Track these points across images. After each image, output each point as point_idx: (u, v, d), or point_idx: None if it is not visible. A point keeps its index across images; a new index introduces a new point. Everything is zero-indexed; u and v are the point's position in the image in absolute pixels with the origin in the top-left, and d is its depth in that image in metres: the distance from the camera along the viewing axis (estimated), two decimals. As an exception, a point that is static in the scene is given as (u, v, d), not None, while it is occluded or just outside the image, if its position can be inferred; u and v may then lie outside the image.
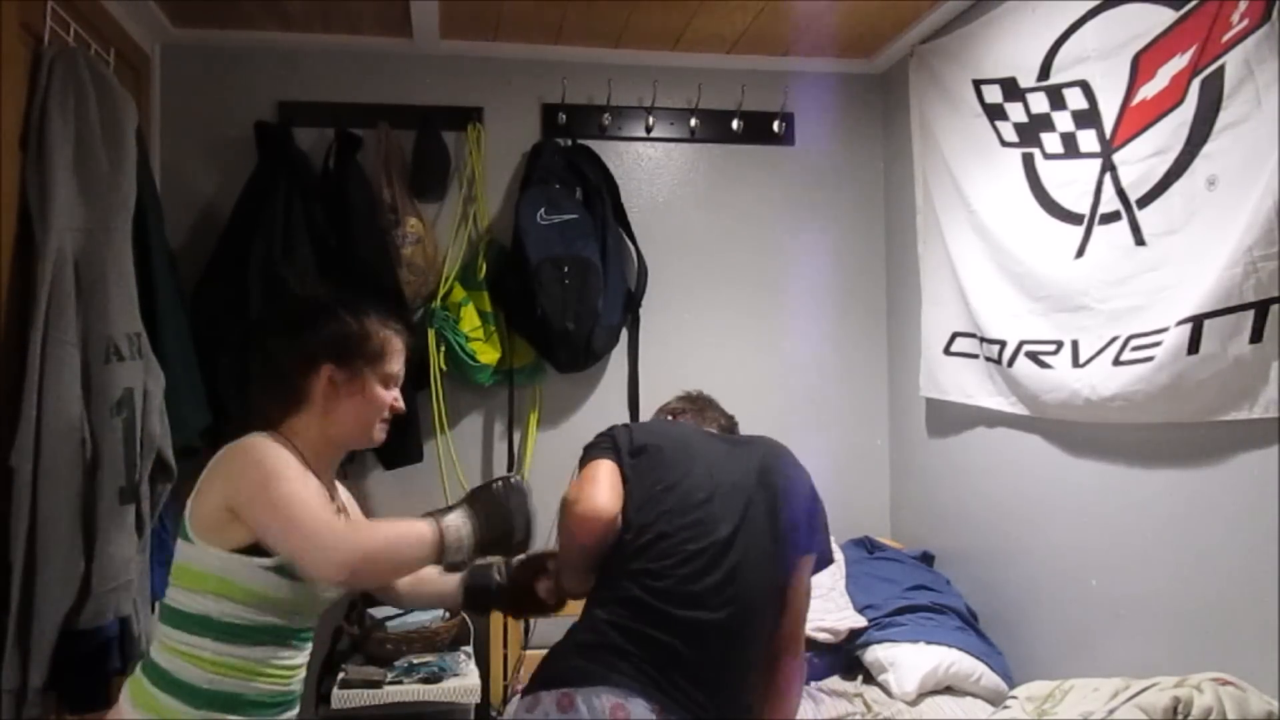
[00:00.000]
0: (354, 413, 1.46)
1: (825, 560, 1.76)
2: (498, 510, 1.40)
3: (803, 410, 2.88)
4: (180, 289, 2.26)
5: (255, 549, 1.31)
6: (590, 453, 1.73)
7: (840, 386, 2.92)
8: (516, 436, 2.72)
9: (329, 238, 2.45)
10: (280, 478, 1.30)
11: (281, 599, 1.34)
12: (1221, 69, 1.59)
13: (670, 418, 2.05)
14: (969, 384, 2.40)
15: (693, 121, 2.85)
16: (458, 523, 1.36)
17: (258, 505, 1.29)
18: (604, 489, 1.62)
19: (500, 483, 1.44)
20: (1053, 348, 2.03)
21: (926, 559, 2.62)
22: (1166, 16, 1.73)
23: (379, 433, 1.50)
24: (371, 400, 1.47)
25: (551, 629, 2.53)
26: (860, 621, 2.30)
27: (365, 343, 1.47)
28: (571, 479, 1.71)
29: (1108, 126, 1.88)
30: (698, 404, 2.07)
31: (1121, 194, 1.84)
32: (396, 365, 1.51)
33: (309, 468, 1.40)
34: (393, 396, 1.50)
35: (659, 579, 1.53)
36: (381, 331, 1.50)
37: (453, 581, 1.64)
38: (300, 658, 1.43)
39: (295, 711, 1.44)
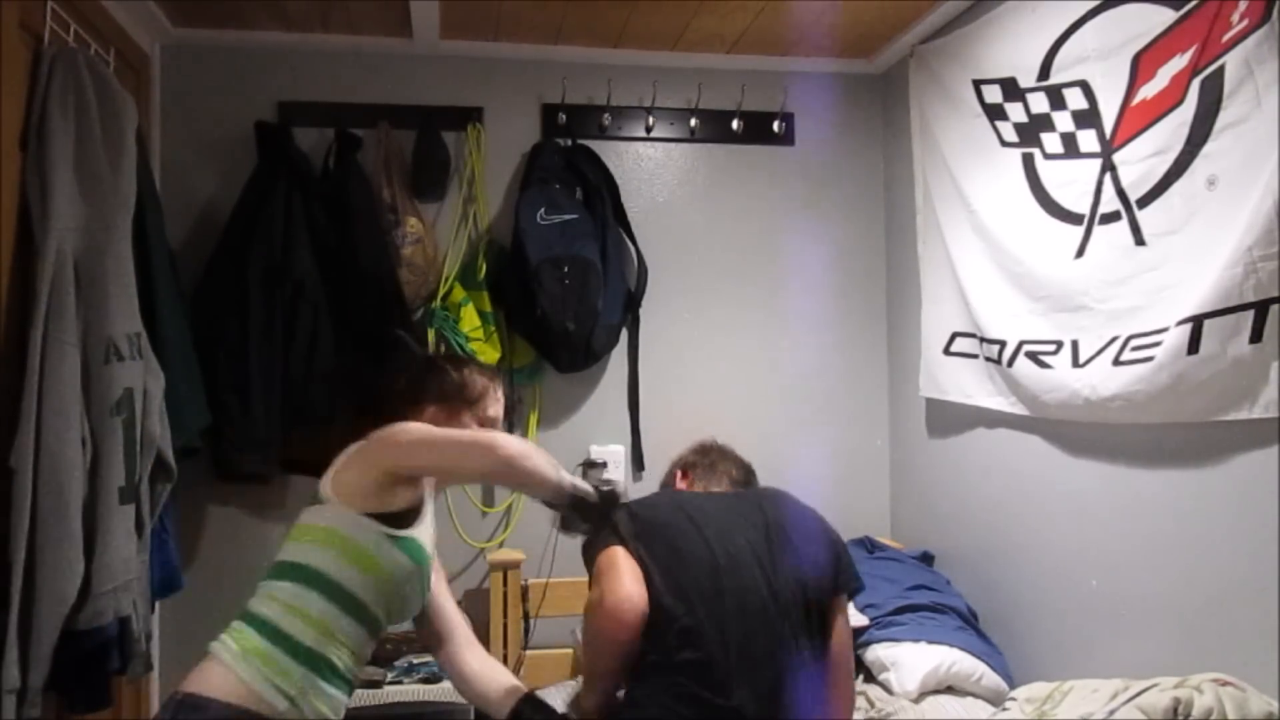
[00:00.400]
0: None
1: (858, 590, 1.80)
2: (607, 496, 1.58)
3: (803, 410, 2.88)
4: (180, 289, 2.26)
5: (390, 519, 1.46)
6: (597, 544, 1.70)
7: (840, 386, 2.92)
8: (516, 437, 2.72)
9: (329, 238, 2.45)
10: (430, 432, 1.51)
11: (393, 576, 1.46)
12: (1221, 69, 1.59)
13: (681, 473, 2.05)
14: (969, 384, 2.40)
15: (693, 121, 2.85)
16: (582, 483, 1.56)
17: (420, 448, 1.48)
18: (627, 578, 1.62)
19: (610, 485, 1.61)
20: (1053, 348, 2.03)
21: (926, 559, 2.62)
22: (1166, 16, 1.73)
23: None
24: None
25: (552, 629, 2.54)
26: (861, 620, 2.30)
27: (464, 389, 1.69)
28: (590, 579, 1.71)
29: (1108, 126, 1.88)
30: (710, 456, 2.06)
31: (1121, 194, 1.84)
32: (494, 410, 1.72)
33: None
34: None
35: (708, 669, 1.54)
36: (480, 380, 1.72)
37: (498, 689, 1.67)
38: (369, 654, 1.53)
39: None
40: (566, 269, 2.52)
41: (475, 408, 1.68)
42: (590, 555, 1.71)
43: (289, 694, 1.36)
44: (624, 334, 2.77)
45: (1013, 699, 1.81)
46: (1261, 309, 1.50)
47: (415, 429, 1.52)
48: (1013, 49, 2.18)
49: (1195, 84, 1.65)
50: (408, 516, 1.50)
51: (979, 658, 2.17)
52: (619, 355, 2.79)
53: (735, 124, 2.86)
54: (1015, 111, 2.18)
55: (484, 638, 2.55)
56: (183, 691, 1.35)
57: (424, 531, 1.54)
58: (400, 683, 2.22)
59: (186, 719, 1.32)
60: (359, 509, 1.45)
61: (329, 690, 1.41)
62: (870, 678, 2.25)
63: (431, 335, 2.57)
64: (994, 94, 2.25)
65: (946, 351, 2.50)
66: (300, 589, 1.41)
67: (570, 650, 2.54)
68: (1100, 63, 1.90)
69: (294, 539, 1.48)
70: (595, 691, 1.67)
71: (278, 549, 1.50)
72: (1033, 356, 2.10)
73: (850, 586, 1.77)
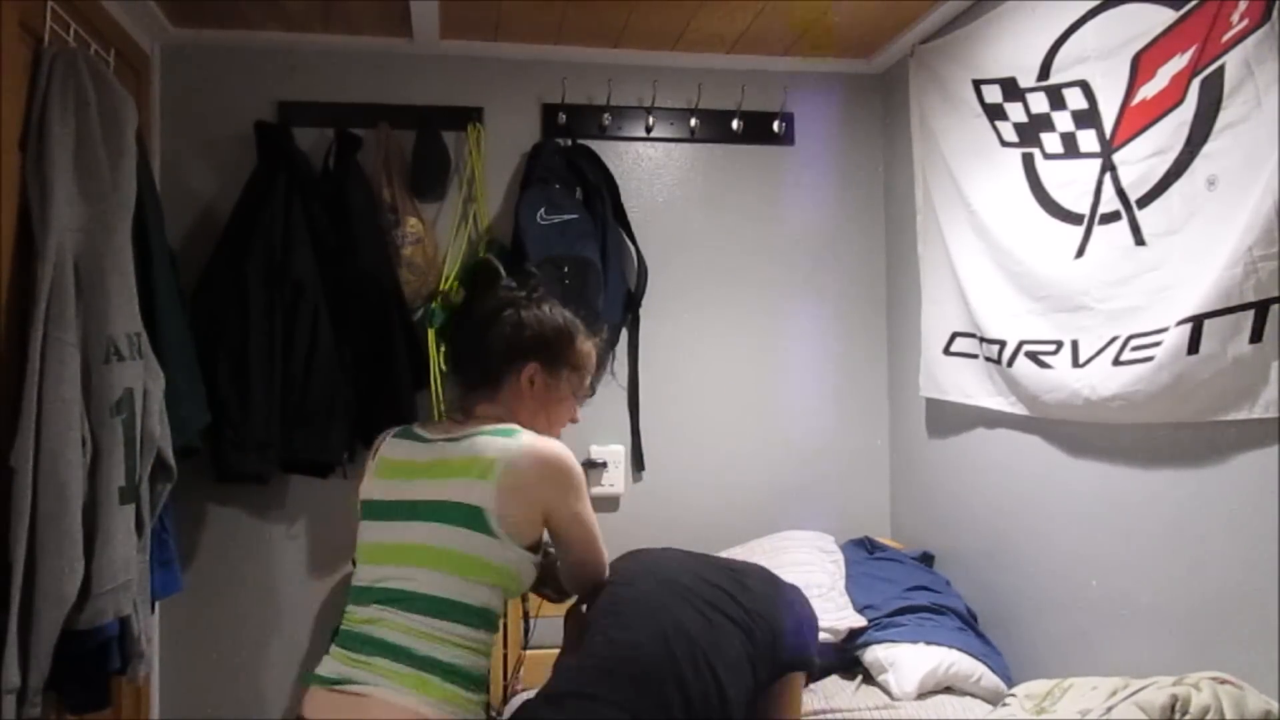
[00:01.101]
0: (542, 416, 1.55)
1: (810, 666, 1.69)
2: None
3: (803, 410, 2.88)
4: (180, 289, 2.26)
5: (534, 546, 1.46)
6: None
7: (840, 386, 2.92)
8: (516, 436, 2.72)
9: (329, 238, 2.45)
10: (586, 498, 1.48)
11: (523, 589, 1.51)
12: (1221, 69, 1.59)
13: None
14: (969, 384, 2.40)
15: (693, 121, 2.85)
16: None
17: (576, 523, 1.47)
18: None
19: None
20: (1052, 348, 2.03)
21: (926, 559, 2.62)
22: (1166, 16, 1.73)
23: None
24: (562, 407, 1.58)
25: (552, 629, 2.54)
26: (860, 621, 2.30)
27: (572, 350, 1.56)
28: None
29: (1108, 126, 1.88)
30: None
31: (1121, 194, 1.84)
32: (589, 379, 1.61)
33: None
34: (576, 408, 1.61)
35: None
36: (587, 344, 1.58)
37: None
38: None
39: None
40: (566, 269, 2.52)
41: (575, 376, 1.58)
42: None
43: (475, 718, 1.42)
44: (624, 334, 2.77)
45: (1012, 695, 1.81)
46: (1261, 309, 1.50)
47: (577, 487, 1.46)
48: (1013, 49, 2.18)
49: (1195, 84, 1.65)
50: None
51: (978, 658, 2.17)
52: (619, 355, 2.79)
53: (735, 124, 2.86)
54: (1015, 111, 2.18)
55: (484, 638, 2.56)
56: None
57: None
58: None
59: None
60: (522, 544, 1.44)
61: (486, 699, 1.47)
62: (869, 678, 2.25)
63: (431, 335, 2.56)
64: (994, 94, 2.26)
65: (946, 351, 2.50)
66: (475, 630, 1.43)
67: (570, 650, 2.54)
68: (1100, 63, 1.90)
69: (456, 570, 1.41)
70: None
71: (388, 550, 1.48)
72: (1033, 356, 2.10)
73: (806, 666, 1.68)
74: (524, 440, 1.45)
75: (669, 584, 1.57)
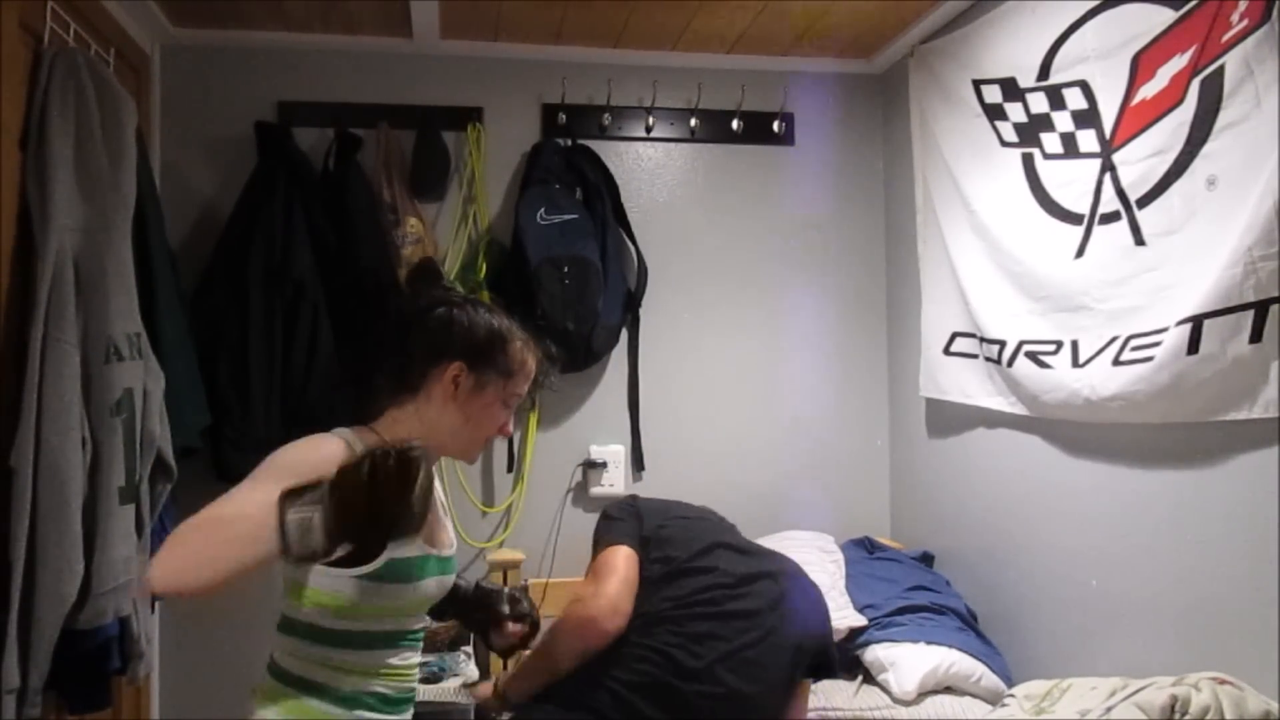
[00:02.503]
0: (464, 422, 1.39)
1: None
2: (363, 488, 1.06)
3: (803, 410, 2.88)
4: (180, 289, 2.27)
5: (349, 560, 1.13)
6: (609, 534, 1.71)
7: (840, 386, 2.92)
8: (516, 436, 2.72)
9: (329, 238, 2.45)
10: (257, 479, 1.19)
11: (380, 606, 1.30)
12: (1221, 69, 1.59)
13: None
14: (969, 384, 2.40)
15: (693, 121, 2.85)
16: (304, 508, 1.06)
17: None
18: (621, 586, 1.62)
19: (371, 456, 1.07)
20: (1052, 348, 2.03)
21: (926, 560, 2.62)
22: (1166, 16, 1.73)
23: (477, 452, 1.44)
24: (488, 414, 1.41)
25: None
26: (860, 620, 2.30)
27: (504, 356, 1.40)
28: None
29: (1107, 126, 1.88)
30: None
31: (1121, 194, 1.84)
32: (524, 388, 1.44)
33: None
34: (507, 418, 1.44)
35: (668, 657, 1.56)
36: (525, 353, 1.43)
37: None
38: (415, 657, 1.41)
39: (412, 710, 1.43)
40: (566, 269, 2.52)
41: (506, 382, 1.41)
42: (601, 538, 1.72)
43: None
44: (624, 334, 2.77)
45: (1011, 696, 1.81)
46: (1261, 309, 1.50)
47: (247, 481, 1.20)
48: (1012, 49, 2.18)
49: (1195, 84, 1.65)
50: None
51: (978, 658, 2.17)
52: (619, 355, 2.79)
53: (735, 124, 2.86)
54: (1015, 111, 2.18)
55: (484, 637, 2.56)
56: None
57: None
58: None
59: None
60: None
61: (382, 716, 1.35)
62: (869, 678, 2.25)
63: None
64: (994, 94, 2.26)
65: (946, 351, 2.50)
66: (312, 646, 1.31)
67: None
68: (1100, 63, 1.90)
69: (286, 592, 1.31)
70: (532, 675, 1.65)
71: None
72: (1032, 356, 2.10)
73: (826, 674, 1.80)
74: (303, 440, 1.30)
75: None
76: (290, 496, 1.05)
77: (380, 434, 1.35)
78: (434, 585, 1.37)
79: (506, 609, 1.59)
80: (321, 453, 1.24)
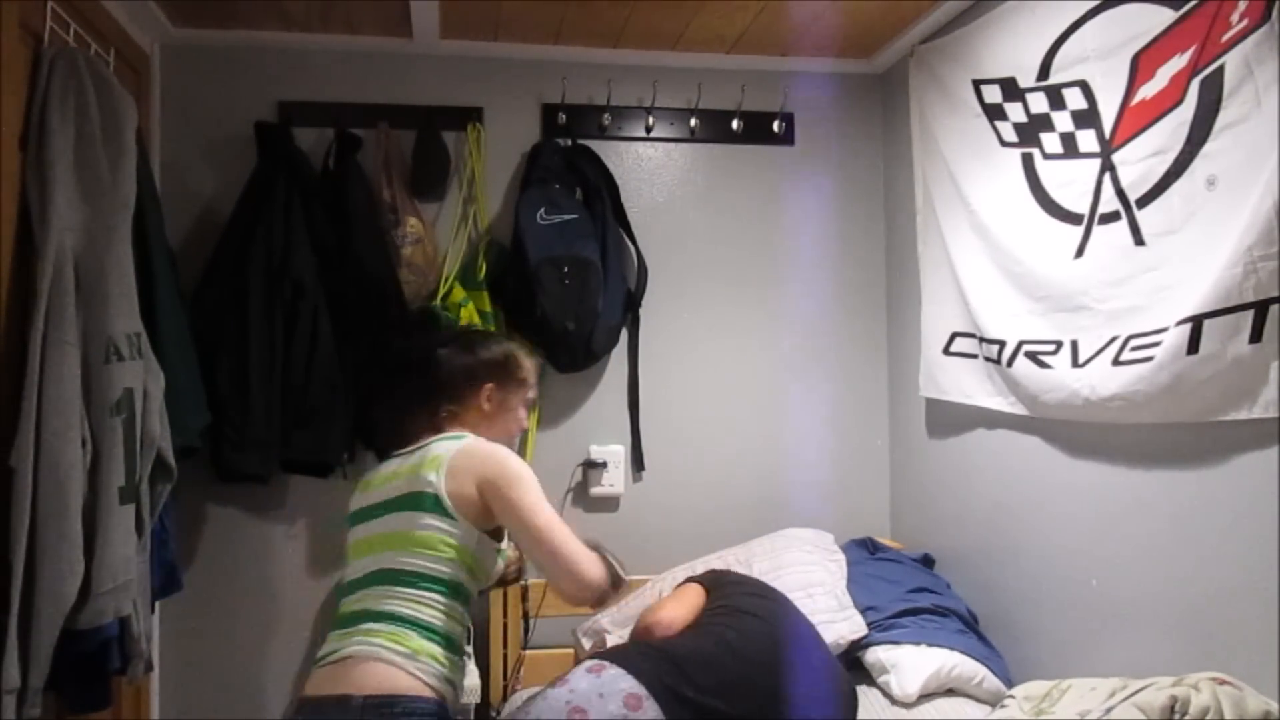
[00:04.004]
0: (501, 428, 1.82)
1: None
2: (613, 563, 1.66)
3: (803, 410, 2.88)
4: (180, 289, 2.26)
5: (494, 533, 1.66)
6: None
7: (840, 386, 2.92)
8: (516, 437, 2.72)
9: (329, 238, 2.45)
10: (528, 490, 1.60)
11: (491, 576, 1.74)
12: (1221, 69, 1.59)
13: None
14: (968, 384, 2.40)
15: (693, 121, 2.85)
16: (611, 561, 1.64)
17: (514, 511, 1.58)
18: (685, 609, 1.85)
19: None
20: (1052, 348, 2.03)
21: (927, 562, 2.62)
22: (1166, 16, 1.73)
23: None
24: (514, 418, 1.86)
25: (552, 629, 2.54)
26: (861, 630, 2.28)
27: (520, 368, 1.85)
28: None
29: (1107, 126, 1.88)
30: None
31: (1121, 194, 1.84)
32: (534, 390, 1.90)
33: None
34: (525, 417, 1.90)
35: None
36: (528, 361, 1.88)
37: None
38: None
39: None
40: (566, 269, 2.52)
41: (522, 390, 1.86)
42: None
43: (456, 682, 1.59)
44: (624, 334, 2.77)
45: (1011, 697, 1.81)
46: (1261, 309, 1.50)
47: (516, 490, 1.59)
48: (1012, 49, 2.18)
49: (1195, 84, 1.65)
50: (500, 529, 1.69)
51: (980, 661, 2.17)
52: (619, 355, 2.79)
53: (735, 124, 2.86)
54: (1015, 111, 2.18)
55: (484, 637, 2.56)
56: (361, 695, 1.46)
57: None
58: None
59: (388, 715, 1.45)
60: (480, 527, 1.62)
61: (467, 666, 1.74)
62: (870, 680, 2.25)
63: (431, 335, 2.57)
64: (994, 94, 2.26)
65: (946, 351, 2.50)
66: (449, 599, 1.59)
67: (570, 650, 2.54)
68: (1100, 63, 1.90)
69: (424, 547, 1.59)
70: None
71: (368, 543, 1.67)
72: (1032, 356, 2.10)
73: None
74: (469, 438, 1.69)
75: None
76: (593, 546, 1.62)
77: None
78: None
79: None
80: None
